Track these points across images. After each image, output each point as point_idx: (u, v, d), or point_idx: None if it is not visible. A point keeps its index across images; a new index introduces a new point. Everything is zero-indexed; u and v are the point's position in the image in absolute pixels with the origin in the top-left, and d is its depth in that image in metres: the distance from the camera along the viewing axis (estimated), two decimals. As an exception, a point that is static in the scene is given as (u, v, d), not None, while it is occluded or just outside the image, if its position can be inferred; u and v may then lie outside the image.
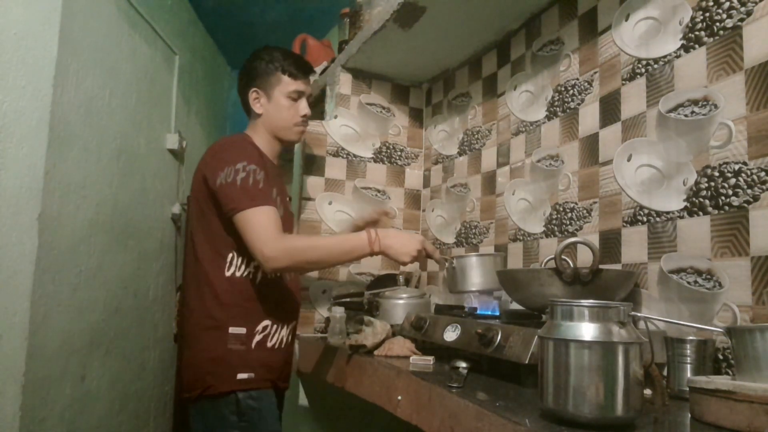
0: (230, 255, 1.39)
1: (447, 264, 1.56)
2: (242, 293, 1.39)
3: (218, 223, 1.38)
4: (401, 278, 1.80)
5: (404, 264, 1.41)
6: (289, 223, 1.56)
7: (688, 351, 0.96)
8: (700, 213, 1.10)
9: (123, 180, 2.10)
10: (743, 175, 1.02)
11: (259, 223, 1.31)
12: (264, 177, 1.37)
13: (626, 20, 1.34)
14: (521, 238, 1.66)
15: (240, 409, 1.32)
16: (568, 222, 1.48)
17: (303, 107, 1.57)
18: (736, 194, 1.03)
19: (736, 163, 1.04)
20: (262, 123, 1.55)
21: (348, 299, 1.81)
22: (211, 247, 1.40)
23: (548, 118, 1.60)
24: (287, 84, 1.54)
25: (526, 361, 0.97)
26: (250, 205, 1.31)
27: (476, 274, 1.52)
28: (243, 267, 1.40)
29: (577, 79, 1.49)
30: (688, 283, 1.11)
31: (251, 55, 1.61)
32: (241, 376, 1.34)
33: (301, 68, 1.59)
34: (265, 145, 1.53)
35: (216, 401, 1.33)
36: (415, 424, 1.02)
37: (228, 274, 1.39)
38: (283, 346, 1.45)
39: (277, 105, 1.54)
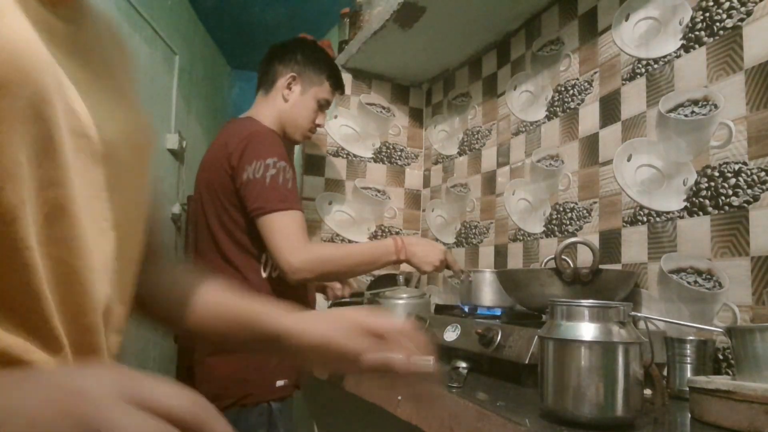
0: (263, 255, 1.33)
1: (463, 276, 1.52)
2: (280, 294, 1.33)
3: (245, 221, 1.31)
4: (401, 278, 1.80)
5: (425, 273, 1.42)
6: None
7: (688, 351, 0.95)
8: (700, 213, 1.10)
9: (123, 180, 2.09)
10: (743, 175, 1.02)
11: (288, 229, 1.24)
12: (293, 176, 1.32)
13: (626, 20, 1.34)
14: (521, 238, 1.66)
15: (271, 420, 1.28)
16: (568, 222, 1.48)
17: (322, 117, 1.56)
18: (736, 194, 1.03)
19: (736, 163, 1.04)
20: (279, 110, 1.48)
21: (348, 299, 1.81)
22: (240, 247, 1.33)
23: (548, 118, 1.60)
24: (325, 91, 1.53)
25: (526, 361, 0.97)
26: (279, 207, 1.25)
27: (489, 290, 1.48)
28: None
29: (577, 79, 1.49)
30: (688, 283, 1.11)
31: (302, 41, 1.56)
32: (279, 383, 1.30)
33: (342, 85, 1.60)
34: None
35: (249, 411, 1.27)
36: (415, 424, 1.02)
37: (265, 275, 1.34)
38: None
39: (306, 103, 1.50)
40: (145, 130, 0.59)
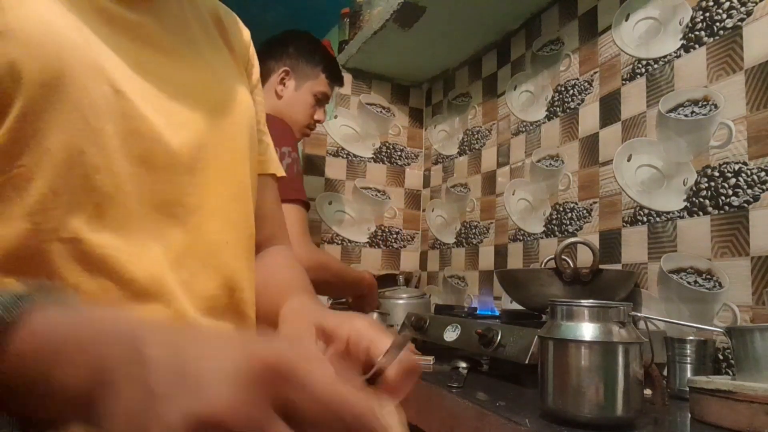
0: None
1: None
2: None
3: None
4: (401, 278, 1.80)
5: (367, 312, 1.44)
6: None
7: (688, 351, 0.95)
8: (700, 213, 1.10)
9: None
10: (743, 175, 1.02)
11: (296, 221, 1.20)
12: (300, 170, 1.29)
13: (626, 20, 1.34)
14: (521, 238, 1.66)
15: None
16: (568, 222, 1.48)
17: (320, 113, 1.50)
18: (736, 194, 1.03)
19: (736, 163, 1.04)
20: (272, 107, 1.42)
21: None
22: None
23: (548, 118, 1.60)
24: (322, 84, 1.46)
25: (526, 361, 0.97)
26: (291, 196, 1.20)
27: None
28: None
29: (577, 79, 1.49)
30: (688, 283, 1.11)
31: (295, 33, 1.50)
32: None
33: (340, 77, 1.53)
34: None
35: None
36: (415, 424, 1.02)
37: None
38: None
39: (301, 98, 1.44)
40: (225, 102, 0.59)
